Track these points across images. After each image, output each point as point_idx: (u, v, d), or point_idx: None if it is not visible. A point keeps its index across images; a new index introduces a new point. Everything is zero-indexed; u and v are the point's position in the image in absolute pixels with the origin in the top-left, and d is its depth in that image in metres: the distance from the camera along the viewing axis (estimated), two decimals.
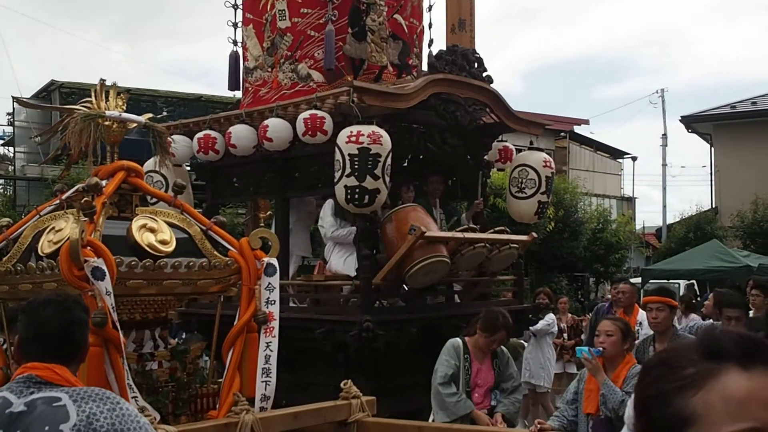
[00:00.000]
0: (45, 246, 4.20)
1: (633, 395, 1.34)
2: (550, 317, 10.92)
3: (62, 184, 4.93)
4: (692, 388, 1.19)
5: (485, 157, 8.65)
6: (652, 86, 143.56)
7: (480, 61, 7.69)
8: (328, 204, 7.44)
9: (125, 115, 4.80)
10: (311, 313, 7.28)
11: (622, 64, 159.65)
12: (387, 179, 6.65)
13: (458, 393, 5.84)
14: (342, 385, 4.86)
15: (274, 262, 4.63)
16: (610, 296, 10.62)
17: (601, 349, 5.14)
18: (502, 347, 6.41)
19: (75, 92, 23.06)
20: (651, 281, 19.77)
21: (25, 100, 21.00)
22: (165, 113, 23.91)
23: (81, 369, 3.73)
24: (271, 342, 4.53)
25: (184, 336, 9.06)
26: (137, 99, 24.16)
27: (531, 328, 9.78)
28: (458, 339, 6.06)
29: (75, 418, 2.43)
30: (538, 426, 5.09)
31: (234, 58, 8.64)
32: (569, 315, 12.52)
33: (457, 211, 8.61)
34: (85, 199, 4.19)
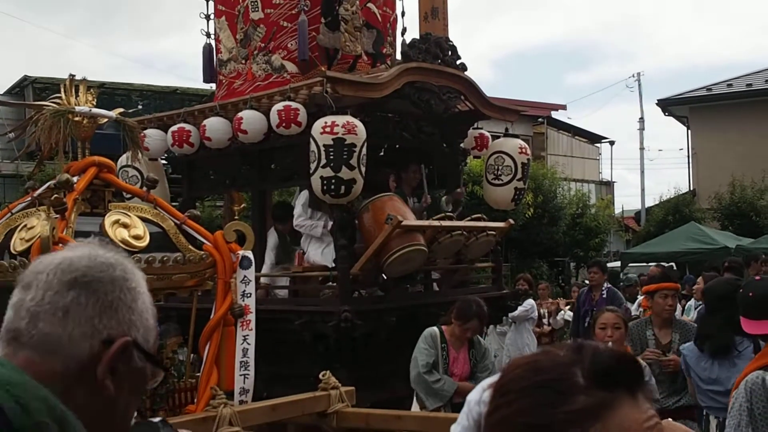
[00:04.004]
0: (17, 244, 4.17)
1: (491, 397, 1.19)
2: (529, 303, 10.96)
3: (34, 181, 4.90)
4: (590, 419, 1.10)
5: (461, 144, 8.65)
6: (622, 71, 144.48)
7: (453, 48, 7.68)
8: (303, 195, 7.44)
9: (95, 110, 4.77)
10: (290, 304, 7.27)
11: (591, 49, 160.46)
12: (363, 169, 6.64)
13: (441, 377, 5.89)
14: (320, 376, 4.86)
15: (249, 254, 4.62)
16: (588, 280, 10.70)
17: (610, 344, 4.96)
18: (479, 338, 6.45)
19: (49, 87, 22.86)
20: (630, 265, 19.94)
21: None
22: (140, 107, 23.80)
23: None
24: (248, 335, 4.53)
25: (161, 327, 9.00)
26: (111, 93, 24.02)
27: (510, 314, 9.81)
28: (435, 328, 6.10)
29: None
30: None
31: (208, 51, 8.60)
32: (549, 300, 12.58)
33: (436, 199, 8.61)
34: (56, 195, 4.17)
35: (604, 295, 9.92)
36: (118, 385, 1.36)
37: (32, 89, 24.45)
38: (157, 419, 2.33)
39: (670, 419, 4.27)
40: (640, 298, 10.34)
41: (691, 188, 28.40)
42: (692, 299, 10.57)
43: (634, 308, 11.32)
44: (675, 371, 5.66)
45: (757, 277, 4.92)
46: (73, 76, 4.80)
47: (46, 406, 1.23)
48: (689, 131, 29.57)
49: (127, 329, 1.39)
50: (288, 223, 7.79)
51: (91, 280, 1.38)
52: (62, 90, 4.78)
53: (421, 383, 5.96)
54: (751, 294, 4.05)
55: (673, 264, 17.39)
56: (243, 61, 8.00)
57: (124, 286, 1.42)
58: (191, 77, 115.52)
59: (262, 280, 7.33)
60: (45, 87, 23.57)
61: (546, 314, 11.97)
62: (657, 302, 6.01)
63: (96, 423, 1.34)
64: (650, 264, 17.37)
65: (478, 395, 2.24)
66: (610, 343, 5.00)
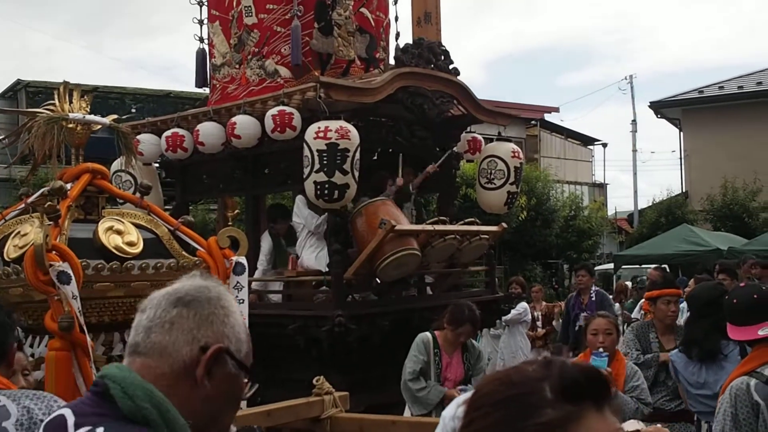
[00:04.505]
0: (10, 251, 4.17)
1: (466, 411, 1.25)
2: (522, 306, 10.98)
3: (27, 187, 4.89)
4: (557, 431, 1.15)
5: (454, 148, 8.67)
6: (615, 73, 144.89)
7: (446, 53, 7.71)
8: (301, 200, 7.43)
9: (89, 117, 4.76)
10: (284, 308, 7.28)
11: (584, 51, 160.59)
12: (356, 174, 6.66)
13: (427, 385, 5.90)
14: (314, 381, 4.87)
15: (243, 260, 4.62)
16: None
17: (606, 354, 5.00)
18: (473, 341, 6.46)
19: (42, 91, 22.83)
20: (623, 267, 19.96)
21: None
22: (134, 110, 23.75)
23: (48, 373, 3.73)
24: None
25: None
26: (105, 96, 23.98)
27: (503, 318, 9.84)
28: (428, 333, 6.11)
29: (16, 413, 2.48)
30: None
31: (201, 55, 8.61)
32: (543, 303, 12.60)
33: (423, 205, 8.63)
34: (50, 203, 4.16)
35: (593, 298, 9.95)
36: (214, 385, 1.68)
37: (25, 93, 24.40)
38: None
39: (658, 425, 4.29)
40: (642, 301, 10.36)
41: (684, 190, 28.46)
42: (684, 302, 10.59)
43: (635, 312, 11.38)
44: None
45: (742, 284, 4.96)
46: (68, 82, 4.80)
47: (147, 395, 1.59)
48: (681, 133, 29.65)
49: (221, 339, 1.71)
50: (284, 224, 7.79)
51: (191, 299, 1.71)
52: (56, 96, 4.78)
53: (406, 390, 5.99)
54: (735, 301, 4.08)
55: (666, 266, 17.44)
56: (237, 66, 8.02)
57: (218, 304, 1.74)
58: (183, 79, 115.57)
59: (254, 285, 7.33)
60: (38, 91, 23.52)
61: (540, 317, 11.97)
62: (660, 308, 5.97)
63: (194, 415, 1.65)
64: (643, 266, 17.42)
65: (453, 410, 2.32)
66: (601, 349, 5.02)
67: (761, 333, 3.86)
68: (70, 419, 1.64)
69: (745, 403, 3.68)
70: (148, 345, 1.68)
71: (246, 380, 1.78)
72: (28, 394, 2.58)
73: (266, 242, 7.90)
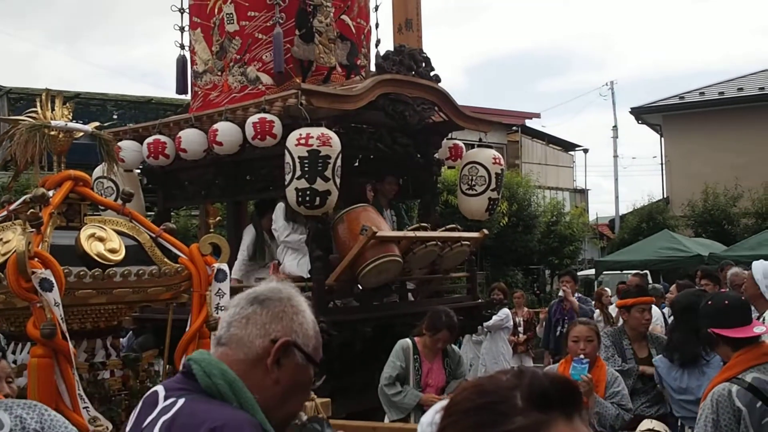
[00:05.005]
0: None
1: (441, 418, 1.31)
2: (504, 312, 11.02)
3: (9, 195, 4.90)
4: None
5: (435, 155, 8.72)
6: (596, 79, 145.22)
7: (427, 60, 7.76)
8: (280, 207, 7.45)
9: (71, 124, 4.78)
10: None
11: (564, 57, 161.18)
12: (337, 180, 6.69)
13: (402, 390, 5.92)
14: None
15: (225, 267, 4.65)
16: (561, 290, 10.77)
17: (587, 360, 4.99)
18: (453, 347, 6.49)
19: (23, 97, 22.74)
20: (605, 272, 20.06)
21: None
22: (115, 117, 23.72)
23: (31, 380, 3.75)
24: None
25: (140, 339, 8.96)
26: (87, 103, 23.91)
27: (485, 323, 9.88)
28: (408, 339, 6.13)
29: (9, 423, 2.50)
30: None
31: (181, 62, 8.63)
32: (525, 309, 12.63)
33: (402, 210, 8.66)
34: (32, 210, 4.18)
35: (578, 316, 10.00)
36: (282, 373, 1.95)
37: (7, 99, 24.28)
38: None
39: (647, 420, 4.32)
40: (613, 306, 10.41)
41: (665, 196, 28.60)
42: (666, 307, 10.66)
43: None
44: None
45: (723, 290, 5.03)
46: (49, 89, 4.81)
47: (221, 374, 1.90)
48: (662, 139, 29.80)
49: (289, 333, 1.97)
50: (268, 219, 7.77)
51: (265, 298, 2.00)
52: (38, 103, 4.79)
53: (383, 396, 6.02)
54: (726, 302, 4.14)
55: (647, 272, 17.55)
56: (219, 73, 8.04)
57: (288, 303, 2.01)
58: (163, 85, 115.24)
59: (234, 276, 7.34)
60: (20, 97, 23.41)
61: (521, 323, 12.00)
62: (634, 316, 5.94)
63: (264, 397, 1.92)
64: (624, 272, 17.49)
65: (431, 417, 2.41)
66: (582, 356, 5.05)
67: (757, 330, 3.93)
68: (161, 393, 1.97)
69: (726, 409, 3.71)
70: (228, 337, 1.99)
71: (314, 372, 2.05)
72: (19, 403, 2.60)
73: (249, 235, 7.88)
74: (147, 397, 2.03)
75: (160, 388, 2.01)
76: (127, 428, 2.05)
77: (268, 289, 2.03)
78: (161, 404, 1.94)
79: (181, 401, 1.89)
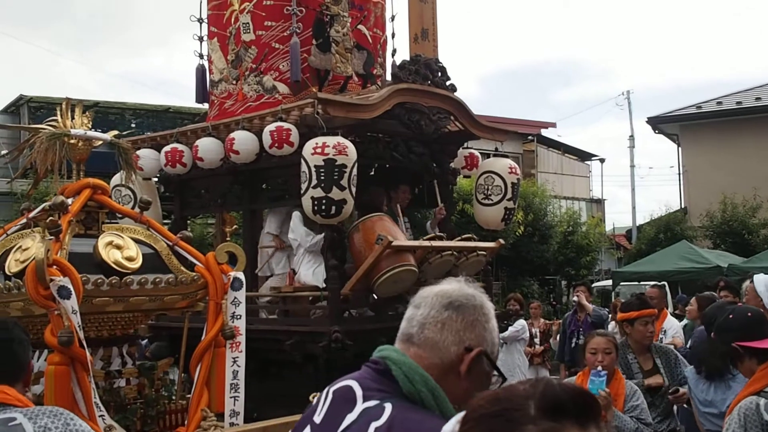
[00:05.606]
0: (12, 265, 4.22)
1: (459, 426, 1.33)
2: (520, 323, 10.98)
3: (29, 202, 4.95)
4: None
5: (451, 164, 8.71)
6: (612, 88, 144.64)
7: (443, 69, 7.75)
8: (296, 216, 7.47)
9: (90, 133, 4.83)
10: (280, 324, 7.30)
11: (580, 66, 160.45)
12: (353, 189, 6.70)
13: None
14: (311, 397, 4.89)
15: (241, 276, 4.67)
16: (575, 299, 10.71)
17: (605, 372, 4.88)
18: None
19: (44, 106, 22.94)
20: (622, 284, 19.95)
21: None
22: (134, 125, 23.86)
23: (48, 387, 3.77)
24: (237, 357, 4.56)
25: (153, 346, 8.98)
26: (105, 112, 24.10)
27: (501, 335, 9.84)
28: None
29: None
30: None
31: (201, 72, 8.68)
32: (541, 320, 12.58)
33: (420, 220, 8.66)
34: (51, 218, 4.21)
35: (590, 318, 9.97)
36: (470, 380, 1.97)
37: (27, 108, 24.50)
38: None
39: None
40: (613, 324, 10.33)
41: (683, 206, 28.44)
42: (685, 319, 10.57)
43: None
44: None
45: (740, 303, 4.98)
46: (69, 99, 4.87)
47: (423, 381, 1.92)
48: (680, 149, 29.64)
49: (481, 342, 2.01)
50: None
51: (459, 305, 2.02)
52: (58, 112, 4.84)
53: None
54: (750, 314, 4.10)
55: (665, 283, 17.47)
56: (234, 82, 8.08)
57: (481, 311, 2.04)
58: (179, 94, 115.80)
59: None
60: (40, 106, 23.63)
61: (537, 334, 11.95)
62: (638, 329, 5.83)
63: (456, 402, 1.92)
64: (642, 283, 17.39)
65: (452, 426, 2.42)
66: (600, 368, 5.00)
67: None
68: (358, 391, 1.98)
69: (755, 422, 3.64)
70: (421, 338, 2.01)
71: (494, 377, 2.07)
72: (45, 411, 2.58)
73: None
74: (338, 389, 2.05)
75: (354, 384, 2.02)
76: (315, 417, 2.05)
77: (462, 295, 2.05)
78: (362, 404, 1.94)
79: (388, 407, 1.88)
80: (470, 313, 2.02)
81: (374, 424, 1.86)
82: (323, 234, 7.30)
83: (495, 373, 2.07)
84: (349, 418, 1.94)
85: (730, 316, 4.12)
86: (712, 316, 5.45)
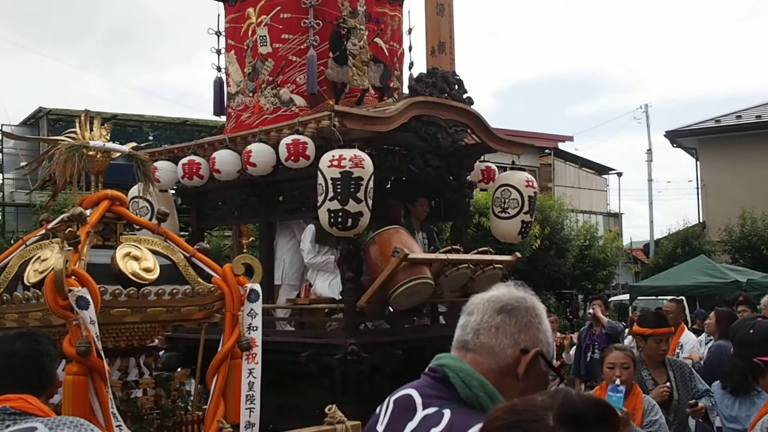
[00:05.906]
0: (31, 275, 4.25)
1: None
2: None
3: (47, 213, 4.98)
4: None
5: (468, 177, 8.71)
6: (629, 101, 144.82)
7: (460, 82, 7.76)
8: (309, 230, 7.51)
9: (109, 144, 4.87)
10: (296, 336, 7.31)
11: (597, 80, 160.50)
12: (370, 202, 6.71)
13: None
14: (326, 410, 4.89)
15: (257, 287, 4.68)
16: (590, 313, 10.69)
17: (623, 387, 4.88)
18: None
19: (62, 119, 23.17)
20: (639, 298, 19.86)
21: (10, 132, 21.18)
22: (151, 138, 24.02)
23: (65, 397, 3.79)
24: (254, 369, 4.57)
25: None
26: (123, 124, 24.32)
27: None
28: None
29: None
30: None
31: (218, 84, 8.72)
32: (558, 334, 12.56)
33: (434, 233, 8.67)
34: (70, 229, 4.24)
35: (605, 330, 9.94)
36: (528, 381, 1.99)
37: (47, 120, 24.76)
38: None
39: None
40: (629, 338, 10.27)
41: (701, 220, 28.32)
42: (704, 334, 10.51)
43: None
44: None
45: (759, 318, 4.94)
46: (88, 111, 4.90)
47: (480, 385, 1.95)
48: (698, 162, 29.54)
49: (536, 343, 2.04)
50: None
51: (511, 308, 2.05)
52: (77, 124, 4.88)
53: None
54: (751, 331, 4.06)
55: (683, 297, 17.40)
56: (250, 94, 8.11)
57: (533, 312, 2.07)
58: (196, 106, 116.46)
59: None
60: (59, 119, 23.87)
61: (555, 348, 11.88)
62: (651, 346, 5.84)
63: None
64: (659, 297, 17.32)
65: None
66: (618, 382, 4.97)
67: None
68: (417, 399, 2.03)
69: None
70: (477, 344, 2.05)
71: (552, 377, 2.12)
72: (65, 422, 2.59)
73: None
74: (398, 398, 2.11)
75: (413, 392, 2.07)
76: (378, 427, 2.12)
77: (513, 298, 2.09)
78: (422, 412, 1.98)
79: (447, 413, 1.91)
80: (523, 315, 2.05)
81: (434, 430, 1.90)
82: (331, 255, 7.33)
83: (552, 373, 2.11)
84: (410, 425, 1.98)
85: (750, 331, 4.08)
86: (736, 331, 5.43)
